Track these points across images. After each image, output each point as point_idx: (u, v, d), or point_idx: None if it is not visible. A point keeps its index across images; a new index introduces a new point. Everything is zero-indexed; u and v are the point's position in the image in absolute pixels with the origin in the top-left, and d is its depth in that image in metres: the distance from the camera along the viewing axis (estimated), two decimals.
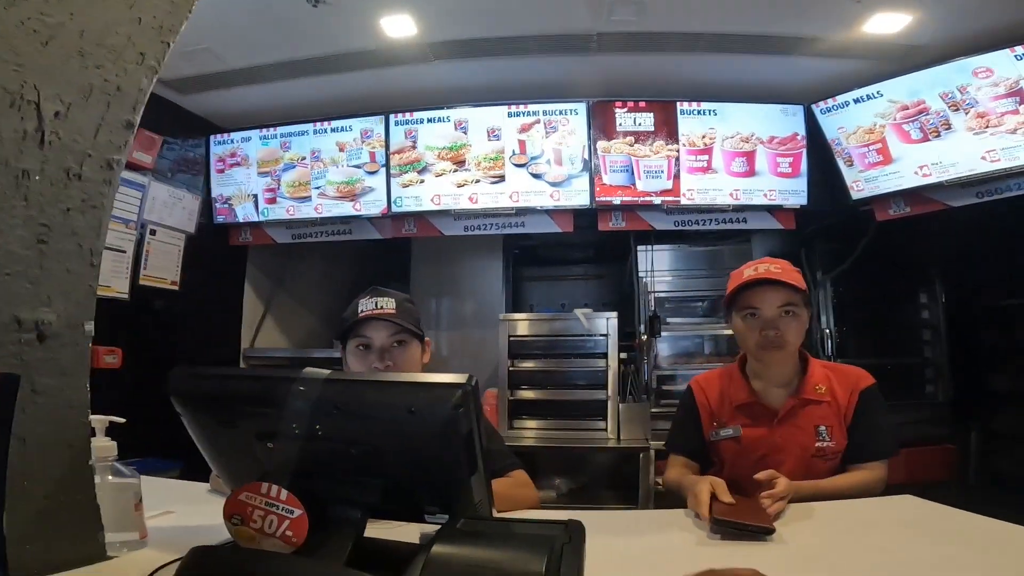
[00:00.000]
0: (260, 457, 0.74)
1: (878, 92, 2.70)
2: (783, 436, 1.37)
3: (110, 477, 0.81)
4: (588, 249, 3.88)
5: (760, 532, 0.97)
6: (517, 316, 3.15)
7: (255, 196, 3.33)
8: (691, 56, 2.70)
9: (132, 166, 2.75)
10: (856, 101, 2.76)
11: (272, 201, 3.31)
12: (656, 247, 3.19)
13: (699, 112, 2.95)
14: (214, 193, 3.37)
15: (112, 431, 0.85)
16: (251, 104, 3.16)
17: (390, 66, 2.84)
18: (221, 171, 3.37)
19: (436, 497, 0.77)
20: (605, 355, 2.92)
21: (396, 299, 1.33)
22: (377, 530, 0.78)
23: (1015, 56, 2.35)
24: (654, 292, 3.13)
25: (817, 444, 1.35)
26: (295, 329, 3.80)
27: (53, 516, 0.72)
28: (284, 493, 0.69)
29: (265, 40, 2.64)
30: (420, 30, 2.58)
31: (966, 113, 2.50)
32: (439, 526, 0.69)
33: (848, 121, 2.81)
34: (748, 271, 1.41)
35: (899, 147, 2.70)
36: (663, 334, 3.07)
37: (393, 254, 3.67)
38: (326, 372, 0.73)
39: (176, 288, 3.03)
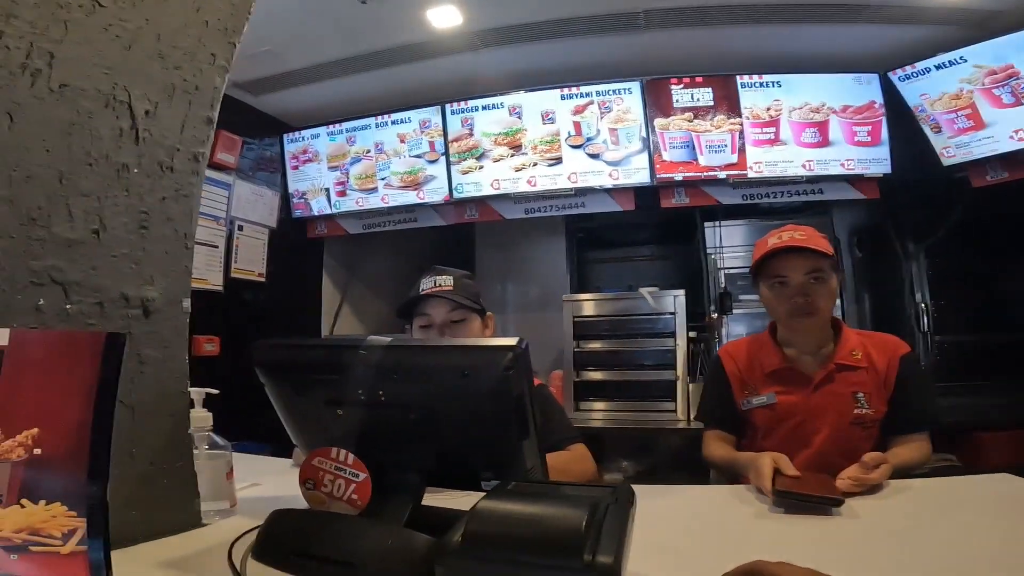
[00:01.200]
0: (330, 423, 0.81)
1: (961, 58, 2.53)
2: (819, 403, 1.32)
3: (206, 447, 0.89)
4: (652, 229, 3.80)
5: (827, 504, 0.93)
6: (581, 296, 3.15)
7: (327, 190, 3.51)
8: (747, 28, 2.59)
9: (218, 166, 2.98)
10: (938, 68, 2.59)
11: (343, 194, 3.48)
12: (724, 223, 3.08)
13: (761, 85, 2.82)
14: (290, 189, 3.59)
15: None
16: (317, 101, 3.34)
17: (441, 56, 2.91)
18: (295, 167, 3.58)
19: (489, 462, 0.80)
20: (673, 334, 2.87)
21: (454, 276, 1.38)
22: (436, 500, 0.82)
23: None
24: (724, 269, 3.03)
25: (855, 411, 1.31)
26: (369, 315, 4.00)
27: (155, 483, 0.78)
28: (351, 457, 0.75)
29: (320, 39, 2.77)
30: (465, 19, 2.63)
31: None
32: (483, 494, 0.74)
33: (931, 88, 2.63)
34: (772, 239, 1.36)
35: (991, 112, 2.52)
36: (735, 311, 2.98)
37: (457, 240, 3.76)
38: (388, 339, 0.79)
39: (263, 280, 3.27)
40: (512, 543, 0.52)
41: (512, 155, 3.09)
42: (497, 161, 3.12)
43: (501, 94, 3.11)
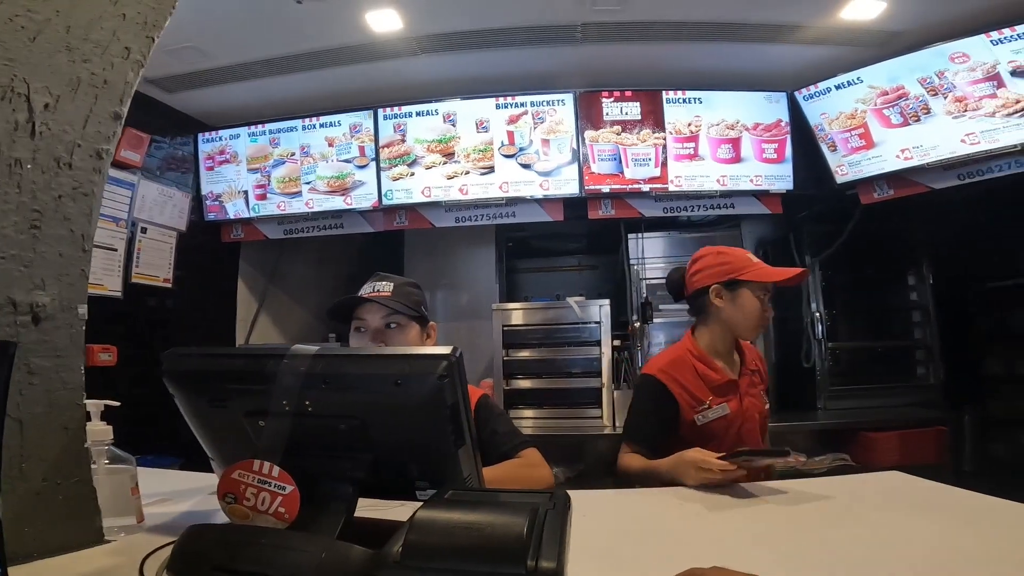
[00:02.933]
0: (251, 436, 0.76)
1: (858, 78, 2.74)
2: (748, 406, 1.50)
3: (106, 461, 0.82)
4: (580, 239, 3.91)
5: (777, 454, 1.13)
6: (510, 306, 3.17)
7: (245, 193, 3.33)
8: (675, 45, 2.72)
9: (121, 164, 2.75)
10: (837, 87, 2.81)
11: (263, 197, 3.31)
12: (646, 235, 3.22)
13: (684, 100, 2.97)
14: (204, 190, 3.37)
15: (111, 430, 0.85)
16: (239, 101, 3.17)
17: (377, 60, 2.86)
18: (211, 168, 3.37)
19: (425, 471, 0.78)
20: (599, 343, 2.94)
21: (395, 283, 1.36)
22: (371, 511, 0.80)
23: (990, 41, 2.41)
24: (646, 279, 3.16)
25: (766, 407, 1.57)
26: (290, 324, 3.81)
27: (50, 498, 0.73)
28: (276, 470, 0.71)
29: (251, 37, 2.65)
30: (406, 24, 2.60)
31: (944, 97, 2.55)
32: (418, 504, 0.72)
33: (830, 107, 2.85)
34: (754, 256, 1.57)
35: (880, 131, 2.74)
36: (655, 320, 3.10)
37: (386, 247, 3.68)
38: (315, 348, 0.75)
39: (169, 285, 3.04)
40: (453, 552, 0.51)
41: (445, 163, 3.07)
42: (429, 168, 3.08)
43: (436, 101, 3.09)
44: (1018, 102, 2.39)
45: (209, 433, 0.81)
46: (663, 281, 3.22)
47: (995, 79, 2.43)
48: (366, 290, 1.35)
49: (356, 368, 0.74)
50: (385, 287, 1.33)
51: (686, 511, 1.05)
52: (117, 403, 0.84)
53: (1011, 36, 2.37)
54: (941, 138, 2.58)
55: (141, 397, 1.58)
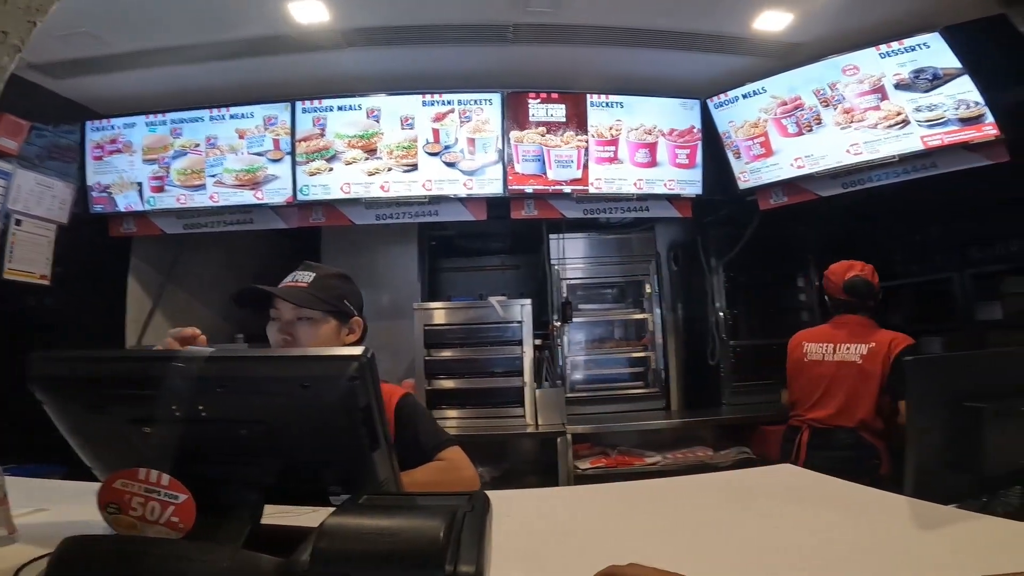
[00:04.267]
0: (136, 443, 0.69)
1: (762, 88, 2.92)
2: None
3: None
4: (504, 239, 3.91)
5: None
6: (432, 305, 3.12)
7: (139, 184, 3.06)
8: (602, 49, 2.77)
9: None
10: (744, 96, 2.98)
11: (159, 190, 3.05)
12: (567, 236, 3.27)
13: (607, 104, 3.05)
14: (90, 181, 3.06)
15: None
16: (136, 89, 2.91)
17: (300, 52, 2.71)
18: (99, 158, 3.06)
19: (339, 476, 0.74)
20: (520, 342, 2.96)
21: (318, 274, 1.28)
22: (281, 518, 0.76)
23: (879, 54, 2.61)
24: (566, 279, 3.22)
25: None
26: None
27: None
28: (165, 478, 0.65)
29: (154, 23, 2.44)
30: (332, 16, 2.49)
31: (835, 108, 2.76)
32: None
33: (737, 115, 3.02)
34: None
35: (779, 140, 2.94)
36: (575, 320, 3.16)
37: (302, 243, 3.50)
38: (209, 350, 0.69)
39: (47, 283, 2.72)
40: (367, 559, 0.48)
41: (366, 159, 2.97)
42: (349, 164, 2.97)
43: (360, 95, 2.98)
44: (899, 114, 2.61)
45: (87, 441, 0.73)
46: (583, 281, 3.34)
47: (880, 91, 2.64)
48: (287, 280, 1.27)
49: (257, 371, 0.68)
50: (305, 277, 1.26)
51: (605, 508, 1.08)
52: None
53: (899, 49, 2.56)
54: (830, 148, 2.80)
55: (17, 403, 1.40)
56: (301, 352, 0.73)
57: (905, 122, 2.62)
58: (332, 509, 0.72)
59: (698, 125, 3.08)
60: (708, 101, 3.06)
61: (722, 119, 3.06)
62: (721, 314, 3.23)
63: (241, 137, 3.02)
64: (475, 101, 3.00)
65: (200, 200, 3.02)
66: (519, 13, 2.52)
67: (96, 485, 1.14)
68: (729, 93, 3.00)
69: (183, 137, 3.04)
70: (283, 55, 2.72)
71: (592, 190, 3.00)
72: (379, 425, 0.71)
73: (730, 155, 3.07)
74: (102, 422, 0.68)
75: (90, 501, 0.65)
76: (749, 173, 3.05)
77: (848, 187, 2.85)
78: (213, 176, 3.01)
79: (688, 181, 3.10)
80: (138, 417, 0.66)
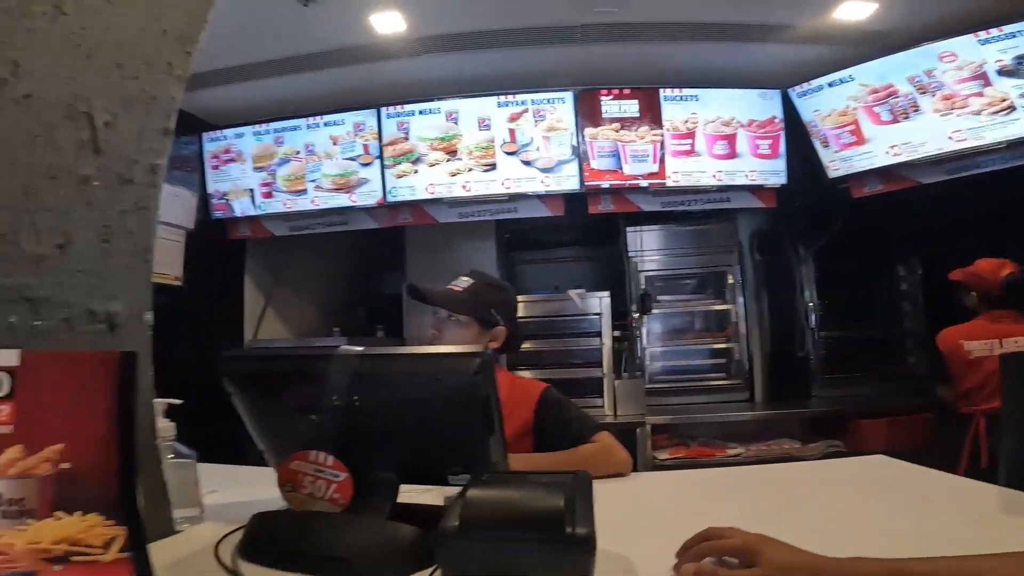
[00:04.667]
0: (304, 430, 0.84)
1: (850, 76, 2.83)
2: None
3: (171, 456, 0.89)
4: (577, 231, 3.98)
5: None
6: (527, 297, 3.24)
7: (251, 191, 3.39)
8: (672, 45, 2.80)
9: None
10: (830, 85, 2.90)
11: (268, 195, 3.37)
12: (645, 228, 3.30)
13: (681, 98, 3.05)
14: (210, 189, 3.42)
15: None
16: (243, 101, 3.22)
17: (380, 61, 2.92)
18: (216, 167, 3.42)
19: (459, 458, 0.87)
20: (599, 334, 3.04)
21: (475, 281, 1.45)
22: (404, 496, 0.85)
23: (978, 40, 2.49)
24: (644, 271, 3.25)
25: None
26: (295, 320, 3.88)
27: None
28: (330, 459, 0.79)
29: (255, 39, 2.70)
30: (409, 25, 2.66)
31: (933, 95, 2.64)
32: (461, 487, 0.80)
33: (823, 104, 2.94)
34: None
35: (871, 128, 2.84)
36: (653, 311, 3.20)
37: (388, 243, 3.75)
38: (360, 348, 0.83)
39: (179, 284, 3.10)
40: (504, 523, 0.60)
41: (448, 160, 3.14)
42: (433, 166, 3.15)
43: (438, 99, 3.15)
44: (1003, 100, 2.49)
45: (263, 427, 0.89)
46: (661, 272, 3.35)
47: (982, 78, 2.51)
48: (452, 282, 1.46)
49: (399, 366, 0.82)
50: (463, 283, 1.44)
51: (690, 490, 1.15)
52: (180, 401, 0.92)
53: (999, 36, 2.45)
54: (929, 135, 2.68)
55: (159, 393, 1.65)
56: (435, 350, 0.86)
57: (1011, 108, 2.48)
58: (448, 488, 0.85)
59: (780, 115, 3.02)
60: (789, 91, 3.00)
61: (806, 108, 2.98)
62: (811, 304, 3.14)
63: (335, 143, 3.28)
64: (547, 100, 3.09)
65: (303, 204, 3.32)
66: (585, 14, 2.59)
67: (243, 468, 1.34)
68: (812, 82, 2.93)
69: (285, 145, 3.34)
70: (367, 64, 2.94)
71: (669, 183, 3.02)
72: (495, 414, 0.83)
73: (817, 144, 2.99)
74: (277, 411, 0.84)
75: (250, 483, 0.79)
76: (839, 161, 2.97)
77: (953, 174, 2.73)
78: (313, 181, 3.30)
79: (771, 171, 3.04)
80: (306, 406, 0.82)
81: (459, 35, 2.76)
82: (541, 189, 3.08)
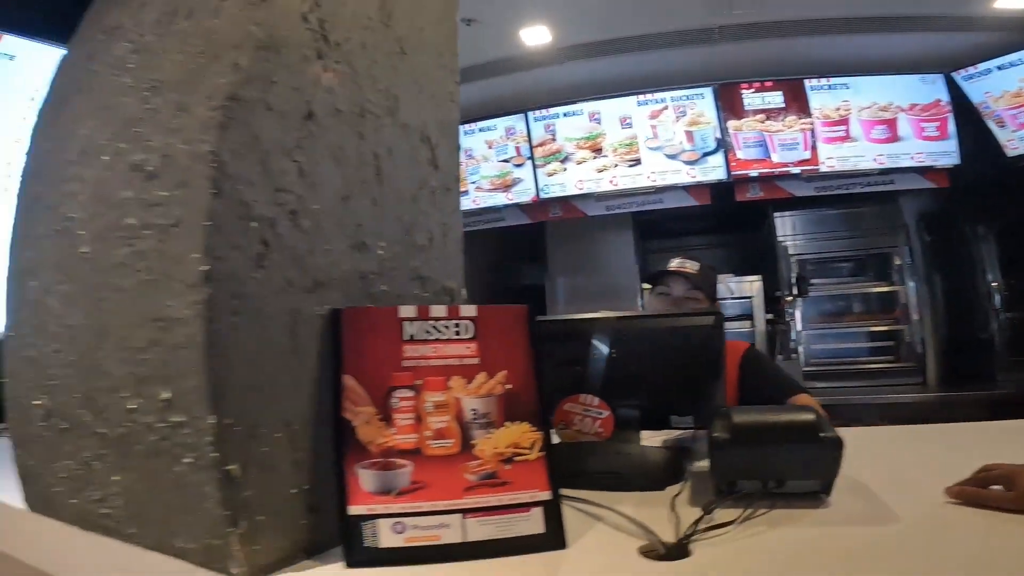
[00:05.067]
0: (572, 379, 1.06)
1: (1020, 59, 2.78)
2: None
3: None
4: (711, 219, 4.00)
5: None
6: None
7: None
8: (814, 39, 2.83)
9: None
10: (999, 68, 2.83)
11: None
12: (794, 212, 3.29)
13: (829, 87, 3.06)
14: None
15: None
16: None
17: (526, 70, 3.21)
18: None
19: (688, 402, 1.08)
20: (751, 317, 3.11)
21: (701, 264, 1.58)
22: None
23: None
24: (796, 256, 3.26)
25: None
26: None
27: None
28: (596, 400, 1.02)
29: None
30: (554, 37, 2.93)
31: None
32: (681, 431, 1.01)
33: (993, 86, 2.88)
34: None
35: None
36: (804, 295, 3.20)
37: (528, 237, 4.02)
38: (617, 313, 1.08)
39: None
40: (765, 432, 0.79)
41: (594, 157, 3.38)
42: (580, 164, 3.40)
43: (581, 101, 3.39)
44: None
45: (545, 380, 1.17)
46: (813, 256, 3.31)
47: None
48: (674, 264, 1.60)
49: (653, 324, 1.07)
50: (693, 266, 1.58)
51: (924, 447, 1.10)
52: None
53: None
54: None
55: None
56: (681, 311, 1.10)
57: None
58: (671, 432, 1.04)
59: (945, 98, 2.96)
60: (954, 74, 2.92)
61: (975, 91, 2.91)
62: (994, 284, 2.99)
63: (490, 147, 3.64)
64: (687, 96, 3.21)
65: (465, 204, 3.72)
66: (723, 16, 2.70)
67: None
68: (979, 66, 2.87)
69: None
70: (515, 73, 3.24)
71: (824, 169, 3.03)
72: (721, 364, 1.05)
73: (991, 124, 2.90)
74: (554, 364, 1.10)
75: None
76: (1018, 140, 2.85)
77: None
78: (473, 182, 3.69)
79: (941, 152, 2.97)
80: (576, 358, 1.09)
81: (600, 43, 2.98)
82: (687, 180, 3.22)
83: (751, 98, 3.13)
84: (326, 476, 0.63)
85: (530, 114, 3.51)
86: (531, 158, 3.51)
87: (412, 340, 0.68)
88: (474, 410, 0.66)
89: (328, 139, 0.74)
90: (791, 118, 3.07)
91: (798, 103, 3.06)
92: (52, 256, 0.76)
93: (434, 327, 0.70)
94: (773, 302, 3.21)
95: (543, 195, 3.50)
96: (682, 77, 3.21)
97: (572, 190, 3.43)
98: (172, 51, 0.71)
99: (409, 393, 0.65)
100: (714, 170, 3.17)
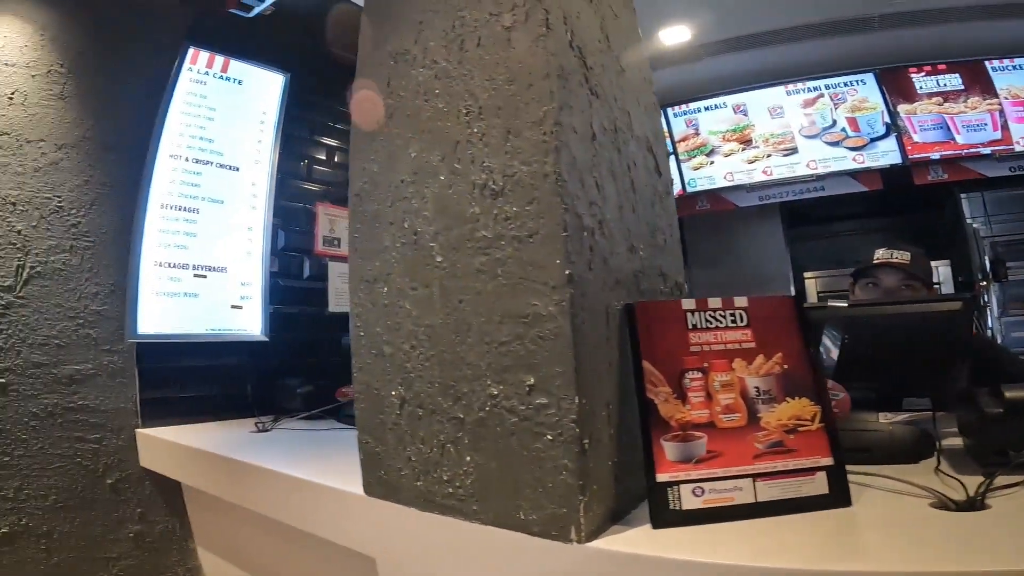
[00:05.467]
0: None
1: None
2: None
3: None
4: (857, 204, 3.74)
5: None
6: (823, 272, 3.25)
7: None
8: (995, 22, 2.59)
9: None
10: None
11: None
12: (976, 193, 3.01)
13: (1016, 67, 2.79)
14: None
15: None
16: None
17: (666, 67, 3.23)
18: None
19: (928, 384, 1.11)
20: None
21: (911, 252, 1.50)
22: None
23: None
24: (991, 237, 2.98)
25: None
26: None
27: None
28: (831, 381, 1.08)
29: None
30: (693, 35, 2.93)
31: None
32: (908, 413, 1.03)
33: None
34: None
35: None
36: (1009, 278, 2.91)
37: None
38: (845, 304, 1.13)
39: None
40: None
41: (743, 149, 3.33)
42: (728, 156, 3.37)
43: (724, 94, 3.35)
44: None
45: None
46: (1009, 238, 2.97)
47: None
48: (882, 255, 1.53)
49: (881, 312, 1.11)
50: (903, 256, 1.52)
51: None
52: None
53: None
54: None
55: None
56: (922, 297, 1.11)
57: None
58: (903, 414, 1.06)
59: None
60: None
61: None
62: None
63: None
64: (844, 83, 3.07)
65: None
66: (882, 5, 2.54)
67: None
68: None
69: None
70: (654, 72, 3.25)
71: (1019, 148, 2.77)
72: (967, 347, 1.05)
73: None
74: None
75: None
76: None
77: None
78: None
79: None
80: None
81: (743, 37, 2.93)
82: (854, 167, 3.07)
83: (923, 81, 2.94)
84: (626, 449, 0.72)
85: (669, 110, 3.53)
86: (674, 153, 3.53)
87: (695, 328, 0.78)
88: (756, 387, 0.74)
89: (605, 155, 0.83)
90: (974, 99, 2.85)
91: (980, 84, 2.83)
92: (402, 265, 0.85)
93: (712, 316, 0.79)
94: (965, 287, 2.96)
95: (690, 189, 3.50)
96: (837, 64, 3.08)
97: (721, 182, 3.40)
98: (476, 78, 0.78)
99: (699, 375, 0.75)
100: (886, 155, 3.01)
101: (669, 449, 0.69)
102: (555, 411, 0.67)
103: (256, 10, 1.91)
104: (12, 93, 1.48)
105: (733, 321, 0.79)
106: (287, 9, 1.98)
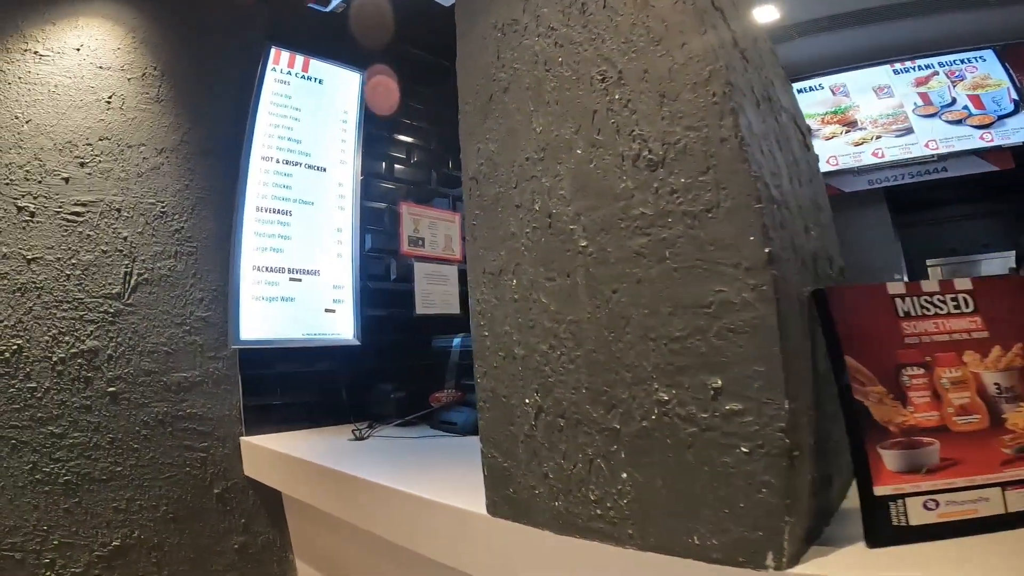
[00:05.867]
0: None
1: None
2: None
3: None
4: (963, 188, 3.36)
5: None
6: (936, 261, 2.96)
7: None
8: None
9: None
10: None
11: None
12: None
13: None
14: None
15: None
16: None
17: None
18: None
19: None
20: None
21: None
22: None
23: None
24: None
25: None
26: None
27: None
28: None
29: None
30: (783, 14, 2.71)
31: None
32: None
33: None
34: None
35: None
36: None
37: None
38: None
39: None
40: None
41: (847, 131, 3.06)
42: (830, 139, 3.11)
43: (819, 76, 3.11)
44: None
45: None
46: None
47: None
48: None
49: None
50: None
51: None
52: None
53: None
54: None
55: None
56: None
57: None
58: None
59: None
60: None
61: None
62: None
63: None
64: (961, 61, 2.82)
65: None
66: None
67: None
68: None
69: None
70: None
71: None
72: None
73: None
74: None
75: None
76: None
77: None
78: None
79: None
80: None
81: (840, 15, 2.72)
82: (981, 145, 2.76)
83: None
84: (823, 459, 0.62)
85: None
86: None
87: (908, 316, 0.65)
88: (997, 384, 0.62)
89: (770, 125, 0.71)
90: None
91: None
92: (534, 253, 0.74)
93: (928, 302, 0.66)
94: None
95: None
96: (950, 41, 2.83)
97: (824, 167, 3.14)
98: (609, 41, 0.68)
99: (920, 371, 0.63)
100: (1017, 132, 2.68)
101: (890, 458, 0.60)
102: (753, 418, 0.56)
103: (332, 4, 1.88)
104: (110, 97, 1.46)
105: (956, 307, 0.67)
106: (358, 5, 1.94)
